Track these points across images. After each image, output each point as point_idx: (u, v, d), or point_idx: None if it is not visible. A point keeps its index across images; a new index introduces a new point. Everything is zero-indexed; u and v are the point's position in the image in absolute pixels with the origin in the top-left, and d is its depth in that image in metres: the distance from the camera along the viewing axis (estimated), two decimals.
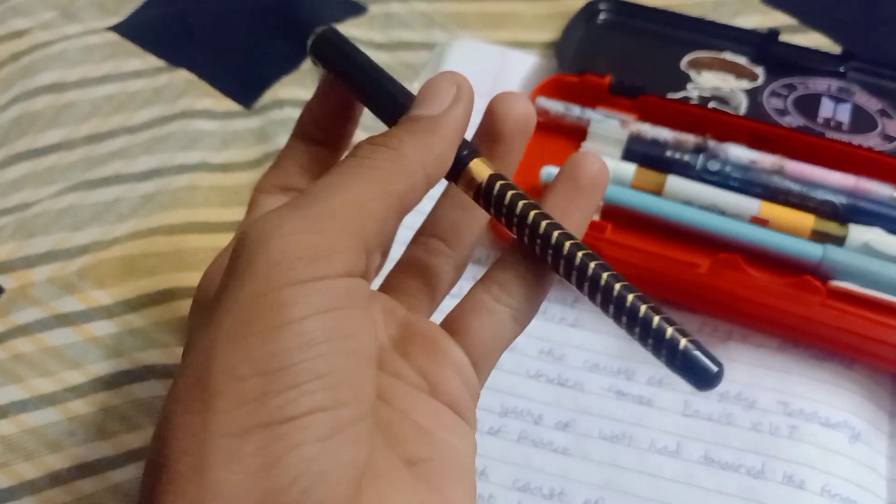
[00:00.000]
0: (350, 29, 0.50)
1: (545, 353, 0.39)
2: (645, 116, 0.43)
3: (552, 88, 0.44)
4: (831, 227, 0.39)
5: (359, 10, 0.52)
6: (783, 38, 0.49)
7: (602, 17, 0.49)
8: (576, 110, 0.43)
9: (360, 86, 0.27)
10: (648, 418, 0.37)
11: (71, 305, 0.40)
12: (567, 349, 0.39)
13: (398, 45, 0.50)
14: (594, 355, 0.38)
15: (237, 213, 0.44)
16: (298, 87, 0.48)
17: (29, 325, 0.40)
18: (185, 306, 0.40)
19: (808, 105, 0.45)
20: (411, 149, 0.24)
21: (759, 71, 0.47)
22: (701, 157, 0.41)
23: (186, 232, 0.43)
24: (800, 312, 0.36)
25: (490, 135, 0.28)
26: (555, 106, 0.43)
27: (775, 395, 0.37)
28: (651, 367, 0.38)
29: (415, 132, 0.24)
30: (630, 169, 0.41)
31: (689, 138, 0.42)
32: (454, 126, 0.25)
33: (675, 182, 0.40)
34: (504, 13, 0.51)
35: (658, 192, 0.40)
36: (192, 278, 0.41)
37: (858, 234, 0.38)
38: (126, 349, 0.39)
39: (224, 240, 0.42)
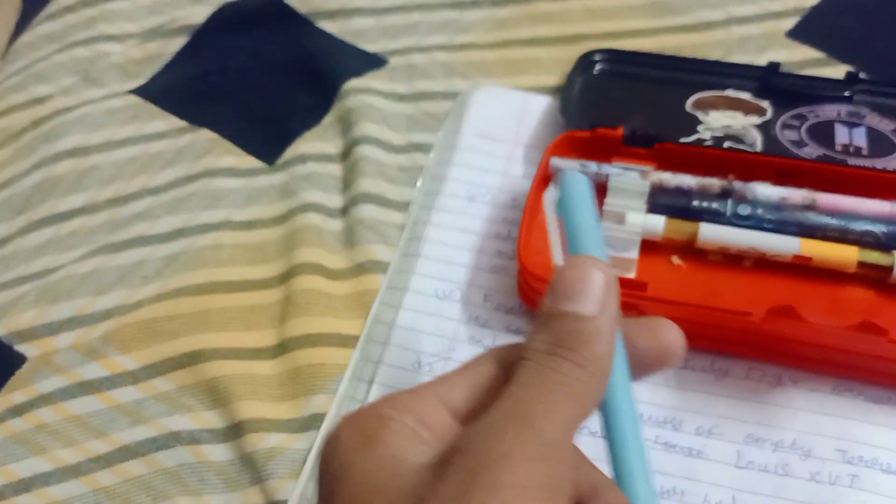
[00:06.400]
0: (372, 81, 0.50)
1: None
2: (663, 164, 0.42)
3: (564, 146, 0.43)
4: (876, 257, 0.38)
5: (380, 62, 0.51)
6: (811, 71, 0.48)
7: (598, 67, 0.48)
8: (592, 166, 0.42)
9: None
10: (700, 471, 0.35)
11: (95, 372, 0.40)
12: None
13: (420, 96, 0.50)
14: (637, 405, 0.37)
15: (262, 271, 0.43)
16: (321, 141, 0.48)
17: (52, 393, 0.39)
18: (210, 368, 0.39)
19: (823, 133, 0.44)
20: (593, 362, 0.23)
21: (766, 105, 0.46)
22: (730, 203, 0.40)
23: (212, 292, 0.42)
24: (860, 352, 0.35)
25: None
26: (570, 165, 0.42)
27: (833, 441, 0.35)
28: (699, 416, 0.36)
29: (583, 339, 0.23)
30: (660, 221, 0.39)
31: (714, 182, 0.40)
32: (613, 328, 0.24)
33: (708, 229, 0.39)
34: (524, 59, 0.51)
35: (692, 241, 0.39)
36: (218, 339, 0.40)
37: None
38: (151, 415, 0.38)
39: (250, 298, 0.42)
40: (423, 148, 0.47)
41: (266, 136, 0.48)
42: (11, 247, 0.45)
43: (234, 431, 0.37)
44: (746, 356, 0.37)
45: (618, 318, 0.24)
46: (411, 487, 0.21)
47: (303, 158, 0.47)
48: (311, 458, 0.36)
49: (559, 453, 0.22)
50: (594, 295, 0.23)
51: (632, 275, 0.38)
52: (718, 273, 0.39)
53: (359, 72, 0.51)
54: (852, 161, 0.42)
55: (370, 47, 0.52)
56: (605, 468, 0.24)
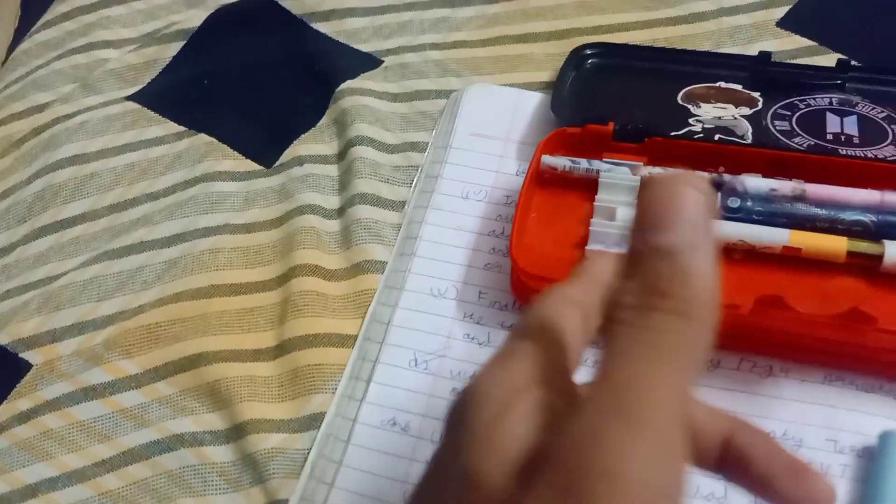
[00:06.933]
0: (366, 82, 0.50)
1: None
2: (654, 159, 0.42)
3: (555, 144, 0.43)
4: (865, 247, 0.38)
5: (374, 63, 0.52)
6: (802, 60, 0.48)
7: (590, 62, 0.49)
8: (583, 163, 0.42)
9: None
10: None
11: (98, 377, 0.40)
12: None
13: (414, 95, 0.50)
14: None
15: (261, 274, 0.43)
16: (317, 142, 0.49)
17: (57, 399, 0.40)
18: (211, 371, 0.40)
19: (814, 122, 0.44)
20: (695, 305, 0.19)
21: (757, 95, 0.46)
22: (720, 196, 0.40)
23: (212, 295, 0.42)
24: (849, 341, 0.35)
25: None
26: (561, 162, 0.42)
27: (824, 431, 0.35)
28: None
29: (680, 278, 0.19)
30: None
31: (703, 175, 0.41)
32: (713, 259, 0.20)
33: None
34: (516, 55, 0.51)
35: None
36: (218, 342, 0.41)
37: (895, 249, 0.37)
38: (154, 419, 0.39)
39: (249, 301, 0.42)
40: (418, 147, 0.48)
41: (263, 140, 0.49)
42: (14, 255, 0.46)
43: (236, 432, 0.38)
44: (737, 348, 0.38)
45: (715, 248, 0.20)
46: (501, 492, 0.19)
47: (299, 160, 0.47)
48: (312, 458, 0.37)
49: (672, 437, 0.18)
50: (689, 219, 0.20)
51: None
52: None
53: (353, 73, 0.51)
54: (844, 150, 0.42)
55: (364, 47, 0.53)
56: None
